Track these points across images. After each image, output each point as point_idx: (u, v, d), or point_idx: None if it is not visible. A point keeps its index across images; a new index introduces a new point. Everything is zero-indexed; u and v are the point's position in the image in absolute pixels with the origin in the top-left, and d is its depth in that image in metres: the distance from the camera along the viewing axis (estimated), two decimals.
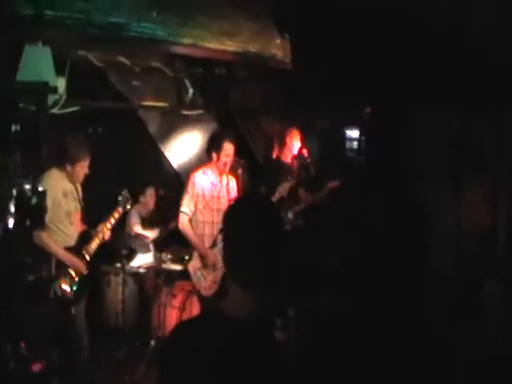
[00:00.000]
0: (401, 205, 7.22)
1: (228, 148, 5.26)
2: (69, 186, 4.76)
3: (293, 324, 6.23)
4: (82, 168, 4.73)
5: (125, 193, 5.17)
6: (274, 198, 6.69)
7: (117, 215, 5.03)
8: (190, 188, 5.27)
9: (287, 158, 7.01)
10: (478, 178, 6.42)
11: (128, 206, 5.25)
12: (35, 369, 4.26)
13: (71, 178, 4.76)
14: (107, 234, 4.90)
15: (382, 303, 5.82)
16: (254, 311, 1.76)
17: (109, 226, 4.93)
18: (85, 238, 4.79)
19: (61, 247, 4.62)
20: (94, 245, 4.80)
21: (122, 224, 6.48)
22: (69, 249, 4.69)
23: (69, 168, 4.69)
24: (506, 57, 4.85)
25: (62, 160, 4.67)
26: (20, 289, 4.33)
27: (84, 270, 4.70)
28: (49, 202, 4.39)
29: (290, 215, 6.87)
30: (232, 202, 1.98)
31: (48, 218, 4.44)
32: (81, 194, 4.90)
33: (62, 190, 4.66)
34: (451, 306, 5.98)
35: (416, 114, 7.10)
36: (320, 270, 7.29)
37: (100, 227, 4.87)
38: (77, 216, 4.82)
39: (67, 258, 4.63)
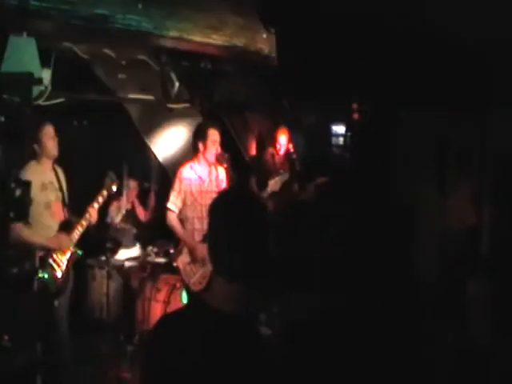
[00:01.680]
0: (386, 202, 7.25)
1: (213, 134, 5.21)
2: (47, 177, 4.69)
3: (277, 320, 6.25)
4: (49, 138, 4.65)
5: (111, 174, 5.08)
6: (266, 193, 6.69)
7: (101, 198, 4.93)
8: (176, 184, 5.24)
9: (274, 153, 7.02)
10: (463, 178, 6.47)
11: (114, 188, 5.13)
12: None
13: (47, 164, 4.69)
14: (94, 216, 4.83)
15: (368, 301, 5.85)
16: (239, 304, 1.76)
17: (96, 206, 4.86)
18: (66, 228, 4.72)
19: (42, 237, 4.56)
20: (77, 232, 4.73)
21: (104, 216, 6.45)
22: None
23: (38, 150, 4.60)
24: (491, 58, 4.90)
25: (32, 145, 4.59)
26: (3, 281, 4.28)
27: (70, 246, 4.66)
28: None
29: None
30: (217, 195, 1.98)
31: None
32: (63, 180, 4.83)
33: (39, 183, 4.57)
34: (436, 305, 6.02)
35: (402, 113, 7.13)
36: (303, 266, 7.32)
37: (86, 212, 4.81)
38: (57, 206, 4.75)
39: (50, 240, 4.58)
